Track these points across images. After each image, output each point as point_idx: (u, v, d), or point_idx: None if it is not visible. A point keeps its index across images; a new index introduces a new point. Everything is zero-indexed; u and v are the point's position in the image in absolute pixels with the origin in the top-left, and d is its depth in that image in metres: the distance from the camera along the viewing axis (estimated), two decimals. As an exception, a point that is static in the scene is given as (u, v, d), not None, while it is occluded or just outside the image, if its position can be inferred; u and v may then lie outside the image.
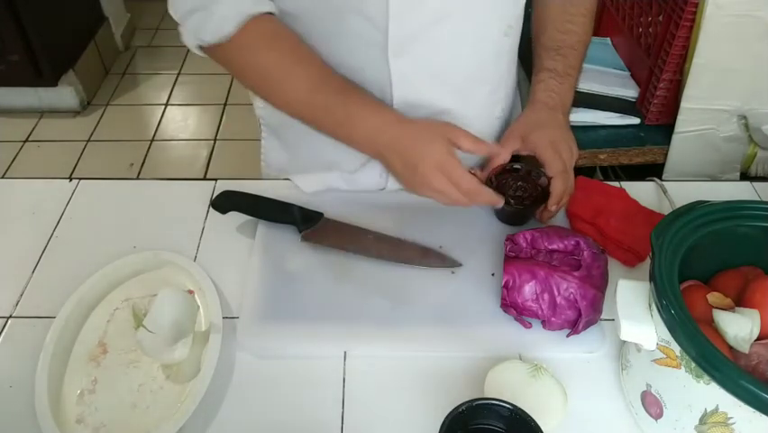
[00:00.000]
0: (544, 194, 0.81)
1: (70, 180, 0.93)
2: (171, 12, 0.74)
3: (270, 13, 0.75)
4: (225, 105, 2.68)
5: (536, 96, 0.85)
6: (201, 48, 0.76)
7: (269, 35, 0.75)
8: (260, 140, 0.98)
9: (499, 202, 0.77)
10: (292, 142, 0.93)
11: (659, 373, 0.59)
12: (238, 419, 0.66)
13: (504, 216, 0.86)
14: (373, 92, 0.80)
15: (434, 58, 0.79)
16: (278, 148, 0.96)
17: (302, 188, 0.89)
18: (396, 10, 0.73)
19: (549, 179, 0.80)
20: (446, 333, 0.72)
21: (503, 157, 0.82)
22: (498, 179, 0.83)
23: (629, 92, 1.39)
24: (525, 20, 0.90)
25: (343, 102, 0.76)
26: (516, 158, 0.84)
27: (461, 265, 0.80)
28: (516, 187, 0.82)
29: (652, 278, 0.59)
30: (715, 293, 0.64)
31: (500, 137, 0.95)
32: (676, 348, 0.56)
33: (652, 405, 0.61)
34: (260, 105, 0.93)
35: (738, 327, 0.58)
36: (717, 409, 0.54)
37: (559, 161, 0.79)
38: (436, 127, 0.76)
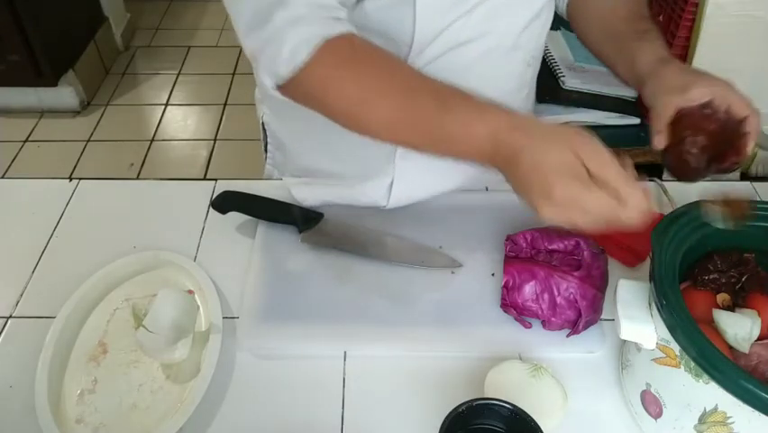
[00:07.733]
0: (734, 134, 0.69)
1: (70, 180, 0.93)
2: (247, 53, 0.66)
3: (348, 34, 0.65)
4: (225, 105, 2.67)
5: (661, 62, 0.73)
6: (279, 89, 0.66)
7: (345, 58, 0.65)
8: (259, 140, 0.98)
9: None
10: (295, 153, 0.91)
11: (658, 372, 0.59)
12: (238, 419, 0.66)
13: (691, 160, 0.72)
14: None
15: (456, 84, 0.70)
16: (281, 158, 0.94)
17: (299, 201, 0.86)
18: (420, 35, 0.70)
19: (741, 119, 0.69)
20: (446, 333, 0.72)
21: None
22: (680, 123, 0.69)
23: (629, 92, 1.39)
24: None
25: (440, 118, 0.63)
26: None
27: (461, 265, 0.80)
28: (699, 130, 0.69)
29: (652, 278, 0.59)
30: (724, 294, 0.64)
31: None
32: (676, 348, 0.56)
33: (651, 404, 0.61)
34: (266, 112, 0.92)
35: (738, 326, 0.58)
36: (716, 408, 0.54)
37: (744, 98, 0.70)
38: (561, 135, 0.58)
